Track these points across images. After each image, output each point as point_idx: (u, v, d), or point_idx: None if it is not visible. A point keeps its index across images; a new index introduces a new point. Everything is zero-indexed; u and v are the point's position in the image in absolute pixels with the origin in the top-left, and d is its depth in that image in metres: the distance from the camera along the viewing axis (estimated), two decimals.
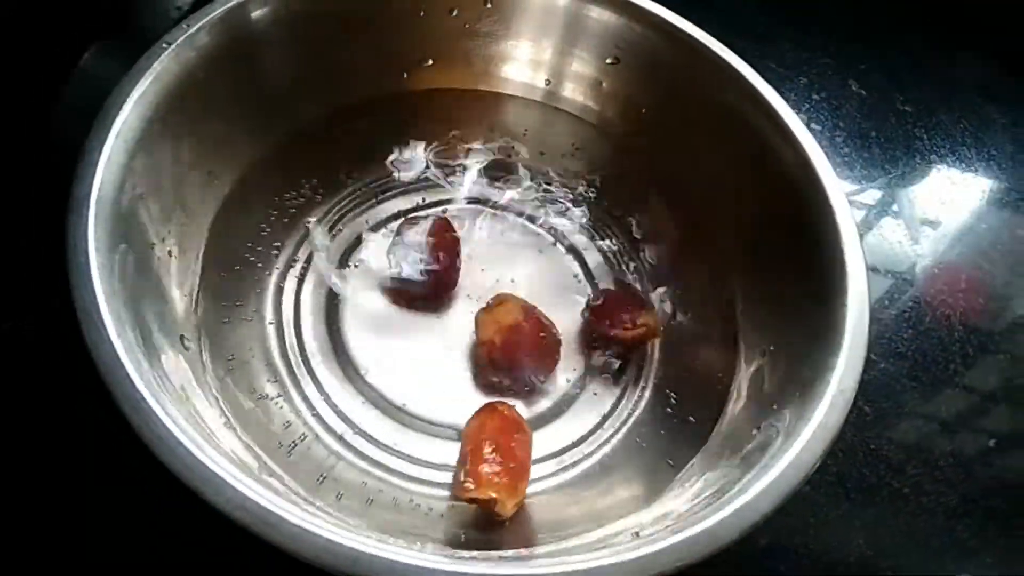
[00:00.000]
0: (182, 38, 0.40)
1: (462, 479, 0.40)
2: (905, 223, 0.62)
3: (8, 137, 0.51)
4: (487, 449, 0.40)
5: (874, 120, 0.66)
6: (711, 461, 0.40)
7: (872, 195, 0.63)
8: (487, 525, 0.40)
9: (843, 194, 0.43)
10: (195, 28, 0.41)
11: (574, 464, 0.44)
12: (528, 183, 0.53)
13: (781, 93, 0.47)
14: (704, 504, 0.34)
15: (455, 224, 0.50)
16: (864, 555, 0.45)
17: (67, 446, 0.41)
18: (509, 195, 0.53)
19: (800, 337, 0.41)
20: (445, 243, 0.47)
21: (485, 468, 0.39)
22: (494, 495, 0.39)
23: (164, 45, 0.40)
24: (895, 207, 0.63)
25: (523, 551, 0.38)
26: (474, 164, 0.53)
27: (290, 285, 0.47)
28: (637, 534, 0.35)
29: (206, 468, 0.31)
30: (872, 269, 0.58)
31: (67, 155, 0.37)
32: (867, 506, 0.47)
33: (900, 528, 0.47)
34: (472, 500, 0.39)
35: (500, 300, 0.46)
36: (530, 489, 0.42)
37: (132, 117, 0.38)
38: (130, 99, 0.38)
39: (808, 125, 0.47)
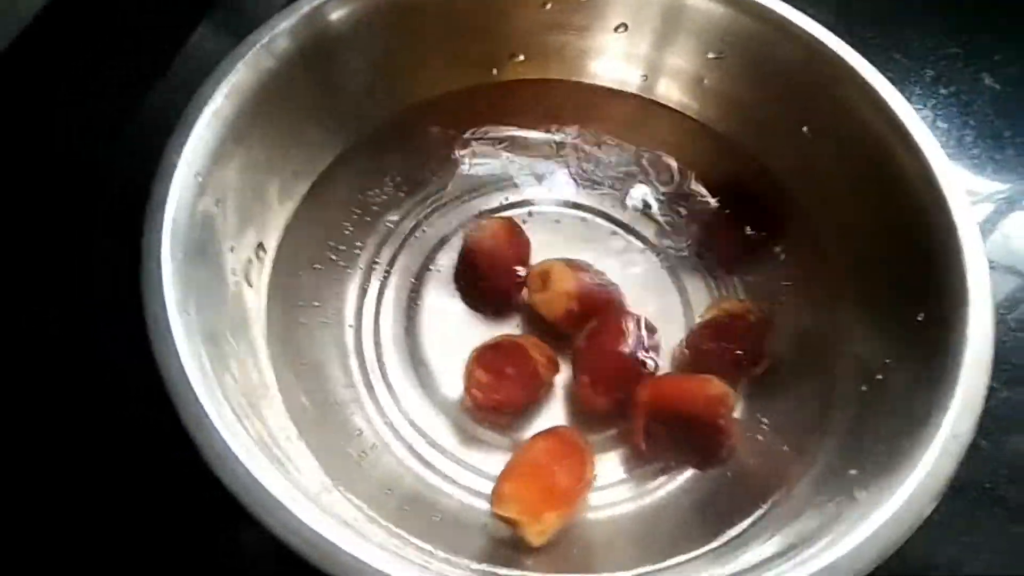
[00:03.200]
0: (260, 43, 0.39)
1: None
2: None
3: (111, 116, 0.52)
4: (520, 468, 0.39)
5: (1009, 118, 0.60)
6: (801, 503, 0.37)
7: (1002, 196, 0.57)
8: (552, 552, 0.38)
9: (970, 210, 0.38)
10: (275, 32, 0.40)
11: (643, 494, 0.41)
12: (620, 185, 0.51)
13: (905, 87, 0.43)
14: (790, 555, 0.32)
15: (539, 226, 0.48)
16: None
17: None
18: (599, 197, 0.50)
19: (910, 369, 0.37)
20: (509, 248, 0.46)
21: (510, 486, 0.38)
22: (513, 516, 0.37)
23: (243, 50, 0.39)
24: None
25: None
26: (563, 162, 0.51)
27: (373, 287, 0.47)
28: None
29: (264, 490, 0.30)
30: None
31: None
32: (980, 551, 0.43)
33: None
34: (498, 517, 0.38)
35: (544, 273, 0.44)
36: (595, 515, 0.40)
37: (212, 123, 0.38)
38: (209, 106, 0.38)
39: (934, 123, 0.43)
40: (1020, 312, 0.51)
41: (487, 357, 0.43)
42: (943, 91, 0.60)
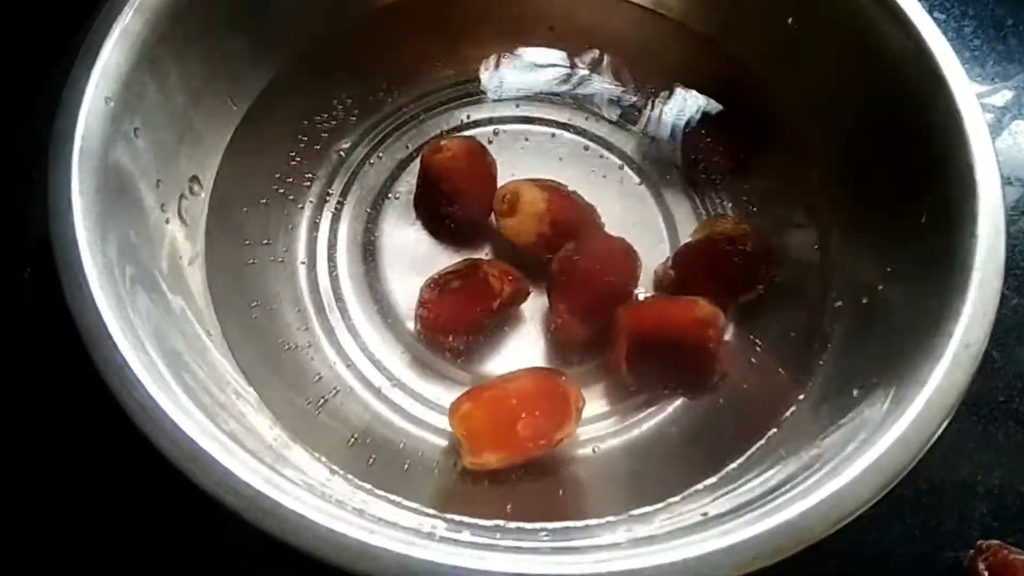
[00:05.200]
0: None
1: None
2: None
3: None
4: (490, 393, 0.36)
5: (1011, 5, 0.55)
6: (801, 429, 0.34)
7: (1005, 95, 0.53)
8: (535, 495, 0.35)
9: (974, 97, 0.34)
10: None
11: (630, 427, 0.38)
12: (591, 95, 0.46)
13: None
14: (791, 485, 0.28)
15: (506, 144, 0.45)
16: (989, 527, 0.39)
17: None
18: (570, 111, 0.46)
19: (914, 275, 0.34)
20: (473, 170, 0.41)
21: (469, 407, 0.35)
22: (456, 434, 0.35)
23: None
24: None
25: (574, 525, 0.33)
26: (529, 74, 0.47)
27: (325, 220, 0.43)
28: (706, 514, 0.30)
29: (194, 444, 0.27)
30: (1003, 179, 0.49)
31: None
32: (993, 469, 0.40)
33: None
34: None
35: (512, 195, 0.40)
36: (581, 451, 0.38)
37: (122, 42, 0.33)
38: (118, 23, 0.33)
39: (931, 13, 0.38)
40: None
41: (437, 279, 0.39)
42: None
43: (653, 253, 0.42)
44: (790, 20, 0.41)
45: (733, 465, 0.34)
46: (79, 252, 0.29)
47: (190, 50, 0.37)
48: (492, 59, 0.47)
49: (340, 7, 0.43)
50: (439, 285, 0.39)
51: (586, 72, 0.47)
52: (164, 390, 0.28)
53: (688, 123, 0.46)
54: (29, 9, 0.48)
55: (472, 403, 0.35)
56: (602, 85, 0.47)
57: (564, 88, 0.47)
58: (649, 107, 0.46)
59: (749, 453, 0.34)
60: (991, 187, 0.32)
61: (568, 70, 0.47)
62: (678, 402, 0.39)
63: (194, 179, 0.38)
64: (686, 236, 0.43)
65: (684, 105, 0.46)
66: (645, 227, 0.43)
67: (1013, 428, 0.41)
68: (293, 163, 0.43)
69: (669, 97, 0.46)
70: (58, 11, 0.48)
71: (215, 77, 0.39)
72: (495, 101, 0.46)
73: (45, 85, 0.46)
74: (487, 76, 0.47)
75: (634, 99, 0.46)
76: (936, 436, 0.29)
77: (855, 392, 0.33)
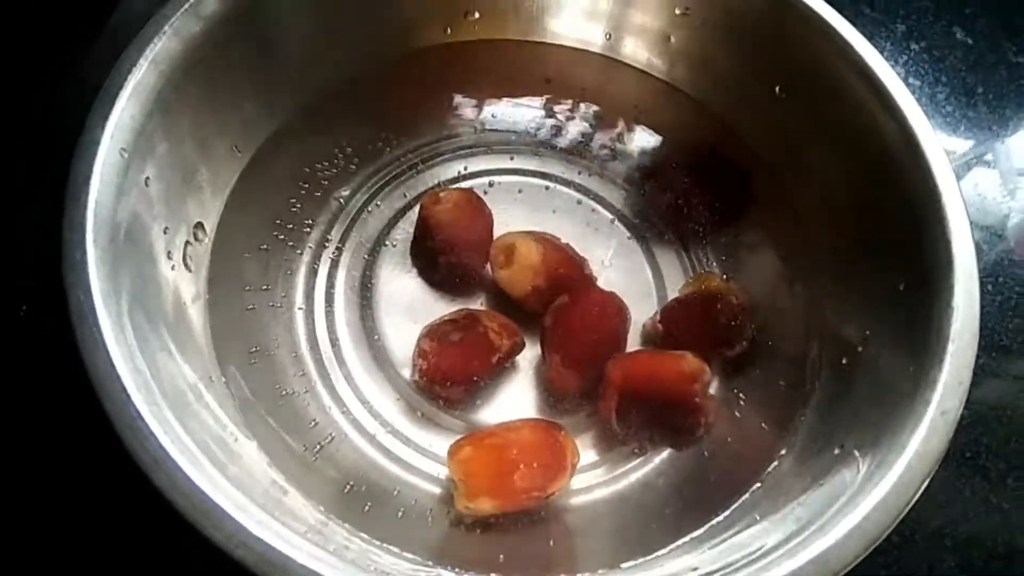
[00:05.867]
0: (186, 6, 0.35)
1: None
2: (1001, 174, 0.54)
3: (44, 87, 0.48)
4: (492, 440, 0.36)
5: (981, 73, 0.58)
6: (784, 486, 0.35)
7: (971, 155, 0.56)
8: (527, 546, 0.36)
9: (950, 171, 0.36)
10: None
11: (618, 478, 0.40)
12: (584, 150, 0.48)
13: (876, 43, 0.40)
14: (779, 543, 0.30)
15: (501, 196, 0.46)
16: None
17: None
18: (564, 165, 0.48)
19: (893, 339, 0.36)
20: (470, 221, 0.43)
21: (469, 452, 0.36)
22: (454, 479, 0.36)
23: (168, 13, 0.35)
24: (988, 156, 0.55)
25: None
26: (524, 128, 0.48)
27: (324, 266, 0.44)
28: (696, 569, 0.31)
29: (206, 497, 0.27)
30: None
31: None
32: (960, 523, 0.42)
33: (999, 550, 0.41)
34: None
35: (508, 247, 0.41)
36: (570, 500, 0.39)
37: (136, 94, 0.34)
38: (132, 76, 0.34)
39: (906, 80, 0.40)
40: (987, 265, 0.50)
41: (436, 328, 0.40)
42: (914, 46, 0.58)
43: (642, 306, 0.43)
44: (777, 89, 0.43)
45: (718, 519, 0.35)
46: (93, 303, 0.30)
47: (201, 100, 0.37)
48: (489, 102, 0.49)
49: (347, 60, 0.44)
50: (438, 336, 0.40)
51: (578, 123, 0.49)
52: (175, 442, 0.28)
53: (676, 178, 0.47)
54: (28, 9, 0.49)
55: (473, 448, 0.36)
56: (593, 137, 0.48)
57: (557, 138, 0.48)
58: (639, 161, 0.48)
59: (733, 507, 0.36)
60: (967, 260, 0.34)
61: (560, 121, 0.49)
62: (665, 454, 0.40)
63: (199, 225, 0.39)
64: (674, 291, 0.44)
65: (674, 160, 0.48)
66: (635, 281, 0.45)
67: (979, 484, 0.43)
68: (294, 209, 0.43)
69: (658, 152, 0.48)
70: (57, 11, 0.49)
71: (223, 125, 0.40)
72: (490, 153, 0.47)
73: (44, 85, 0.47)
74: (481, 113, 0.48)
75: (624, 152, 0.48)
76: (915, 499, 0.30)
77: (836, 451, 0.34)
